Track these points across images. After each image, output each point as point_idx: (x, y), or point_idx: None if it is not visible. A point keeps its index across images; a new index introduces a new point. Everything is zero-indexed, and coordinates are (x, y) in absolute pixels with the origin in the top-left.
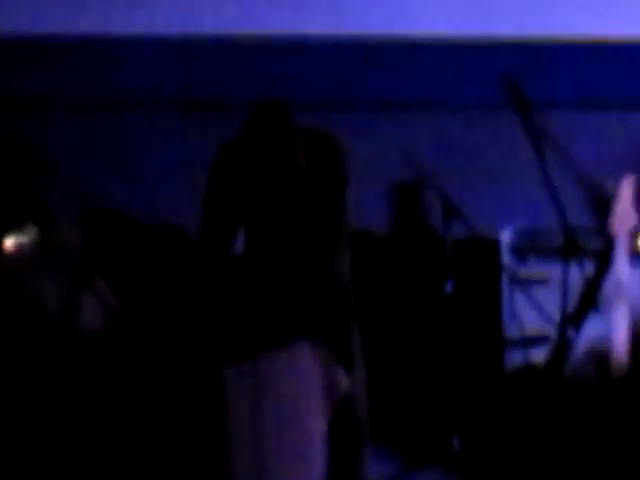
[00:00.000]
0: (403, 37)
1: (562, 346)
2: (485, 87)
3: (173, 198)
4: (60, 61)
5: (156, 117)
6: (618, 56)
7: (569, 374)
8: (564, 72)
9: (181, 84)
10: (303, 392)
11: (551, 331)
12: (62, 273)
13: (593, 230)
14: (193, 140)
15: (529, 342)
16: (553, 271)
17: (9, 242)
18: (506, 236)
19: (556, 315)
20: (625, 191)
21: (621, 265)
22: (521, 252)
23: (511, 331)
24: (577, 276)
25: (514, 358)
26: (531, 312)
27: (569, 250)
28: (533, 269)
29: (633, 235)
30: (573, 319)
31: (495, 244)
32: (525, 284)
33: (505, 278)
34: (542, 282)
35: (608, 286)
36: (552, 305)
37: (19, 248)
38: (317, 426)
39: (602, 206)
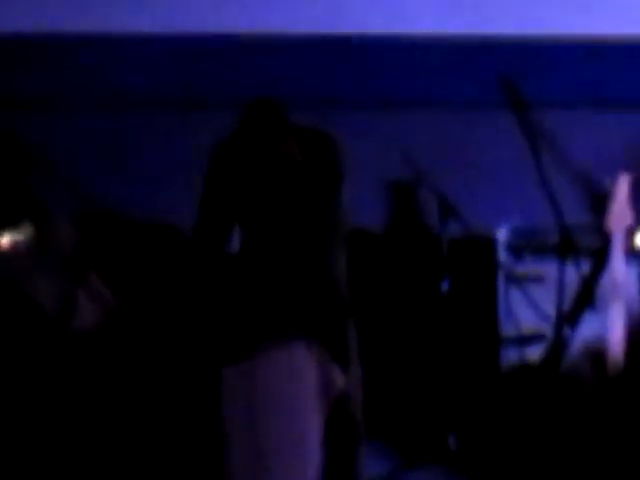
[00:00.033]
0: (401, 36)
1: (558, 344)
2: (482, 86)
3: (173, 197)
4: (59, 60)
5: (155, 116)
6: (615, 55)
7: (565, 372)
8: (561, 71)
9: (180, 83)
10: (299, 391)
11: (547, 329)
12: (58, 271)
13: (589, 228)
14: (192, 139)
15: (525, 340)
16: (549, 269)
17: (5, 240)
18: (502, 234)
19: (552, 313)
20: (621, 189)
21: (617, 263)
22: (517, 250)
23: (507, 329)
24: (573, 274)
25: (510, 356)
26: (527, 310)
27: (565, 248)
28: (529, 267)
29: (629, 233)
30: (569, 317)
31: (491, 242)
32: (521, 282)
33: (501, 276)
34: (538, 280)
35: (604, 284)
36: (548, 303)
37: (15, 246)
38: (313, 424)
39: (598, 204)
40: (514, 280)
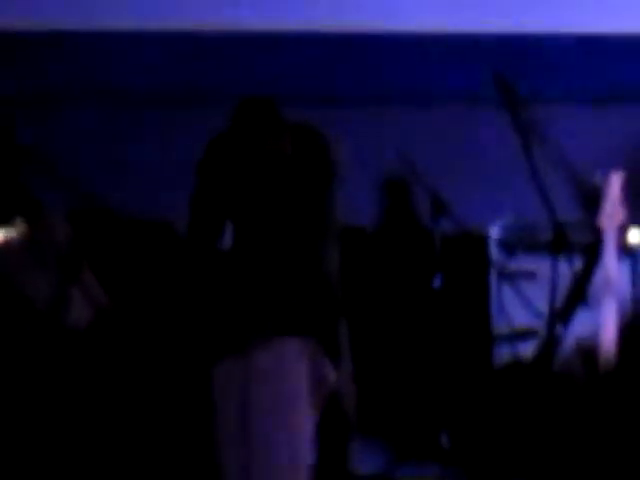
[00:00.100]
0: (395, 33)
1: (550, 341)
2: (475, 83)
3: (172, 195)
4: (57, 56)
5: (154, 114)
6: (609, 52)
7: (557, 369)
8: (554, 68)
9: (180, 80)
10: (291, 387)
11: (539, 326)
12: (50, 267)
13: (582, 225)
14: (191, 136)
15: (517, 337)
16: (542, 266)
17: None
18: (495, 231)
19: (544, 310)
20: (614, 186)
21: (610, 260)
22: (510, 247)
23: (499, 326)
24: (566, 271)
25: (502, 353)
26: (519, 307)
27: (558, 245)
28: (522, 264)
29: (622, 230)
30: (561, 314)
31: (484, 239)
32: (514, 279)
33: (494, 273)
34: (530, 277)
35: (597, 281)
36: (541, 300)
37: (8, 242)
38: (305, 421)
39: (591, 201)
40: (506, 277)
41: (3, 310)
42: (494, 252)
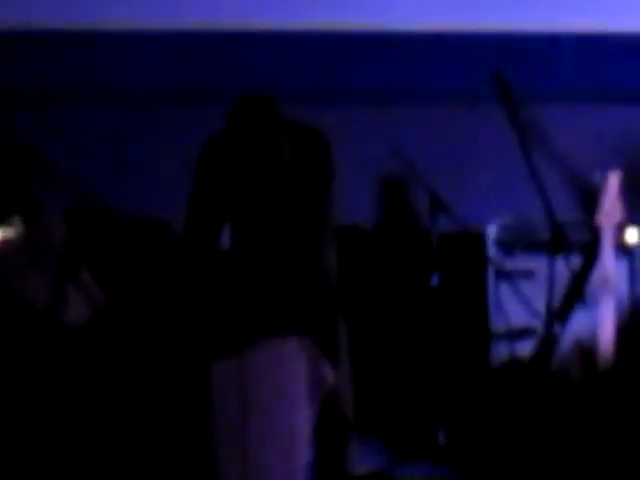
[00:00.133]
0: (391, 28)
1: (548, 340)
2: (472, 81)
3: (172, 193)
4: (57, 55)
5: (154, 112)
6: (607, 49)
7: (555, 368)
8: (552, 66)
9: (176, 79)
10: (290, 386)
11: (537, 325)
12: (47, 267)
13: (579, 224)
14: (190, 135)
15: (515, 335)
16: (540, 265)
17: None
18: (492, 230)
19: (542, 309)
20: (611, 184)
21: (607, 259)
22: (507, 246)
23: (497, 325)
24: (563, 270)
25: (500, 351)
26: (517, 306)
27: (555, 244)
28: (519, 263)
29: (619, 229)
30: (559, 313)
31: (481, 237)
32: (511, 278)
33: (492, 272)
34: (529, 276)
35: (594, 280)
36: (538, 299)
37: (5, 242)
38: (303, 420)
39: (588, 200)
40: (504, 276)
41: (0, 310)
42: (492, 251)
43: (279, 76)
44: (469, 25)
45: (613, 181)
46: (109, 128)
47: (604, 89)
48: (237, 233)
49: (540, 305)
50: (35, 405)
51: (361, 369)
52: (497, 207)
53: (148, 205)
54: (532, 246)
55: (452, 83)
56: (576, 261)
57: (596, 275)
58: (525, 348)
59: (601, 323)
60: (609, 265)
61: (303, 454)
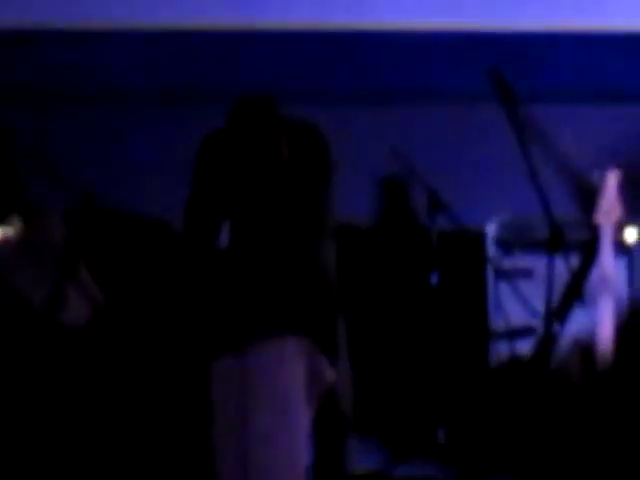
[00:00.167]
0: (390, 28)
1: (547, 339)
2: (471, 80)
3: (171, 192)
4: (57, 55)
5: (152, 111)
6: (606, 48)
7: (554, 367)
8: (550, 64)
9: (175, 79)
10: (288, 386)
11: (536, 324)
12: (47, 266)
13: (578, 223)
14: (189, 134)
15: (514, 334)
16: (538, 264)
17: None
18: (491, 228)
19: (541, 308)
20: (610, 183)
21: (606, 257)
22: (506, 244)
23: (496, 323)
24: (562, 268)
25: (499, 350)
26: (516, 305)
27: (554, 242)
28: (518, 262)
29: (618, 228)
30: (558, 312)
31: (480, 236)
32: (510, 277)
33: (491, 271)
34: (527, 275)
35: (593, 279)
36: (537, 298)
37: (4, 240)
38: (302, 418)
39: (587, 198)
40: (503, 275)
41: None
42: (491, 250)
43: (279, 76)
44: (469, 25)
45: (612, 180)
46: (109, 128)
47: (604, 89)
48: (236, 232)
49: (539, 304)
50: (34, 404)
51: (360, 368)
52: (496, 206)
53: (148, 204)
54: (531, 245)
55: (452, 83)
56: (575, 260)
57: (595, 274)
58: (524, 347)
59: (600, 322)
60: (608, 264)
61: (302, 453)
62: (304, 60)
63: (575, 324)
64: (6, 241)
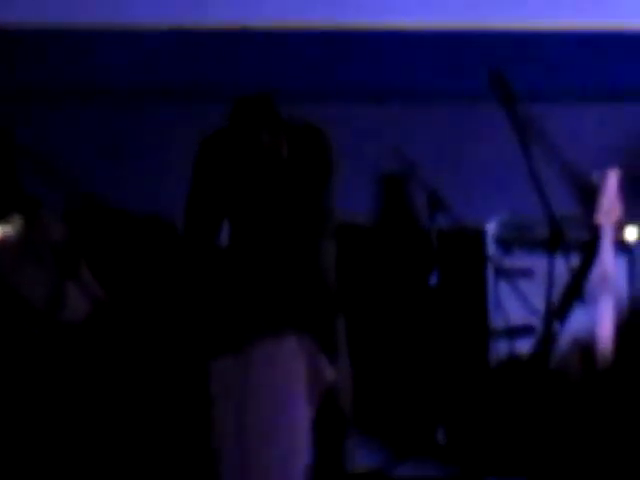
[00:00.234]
0: (390, 27)
1: (547, 338)
2: (471, 79)
3: (171, 191)
4: (56, 54)
5: (153, 110)
6: (606, 47)
7: (554, 366)
8: (551, 64)
9: (176, 78)
10: (289, 385)
11: (536, 323)
12: (47, 264)
13: (579, 222)
14: (190, 132)
15: (514, 333)
16: (538, 263)
17: None
18: (491, 227)
19: (541, 307)
20: (610, 182)
21: (606, 256)
22: (506, 243)
23: (496, 322)
24: (562, 268)
25: (499, 349)
26: (516, 303)
27: (554, 242)
28: (518, 261)
29: (618, 227)
30: (558, 311)
31: (480, 235)
32: (510, 276)
33: (490, 270)
34: (527, 274)
35: (593, 278)
36: (537, 297)
37: (4, 239)
38: (302, 417)
39: (587, 198)
40: (503, 274)
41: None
42: (491, 249)
43: (279, 75)
44: (469, 25)
45: (612, 179)
46: (109, 127)
47: (604, 88)
48: (236, 231)
49: (539, 303)
50: (35, 402)
51: (360, 367)
52: (496, 205)
53: (148, 204)
54: (531, 244)
55: (452, 83)
56: (575, 259)
57: (595, 273)
58: (524, 346)
59: (600, 321)
60: (608, 263)
61: (302, 453)
62: (304, 60)
63: (575, 323)
64: (6, 240)
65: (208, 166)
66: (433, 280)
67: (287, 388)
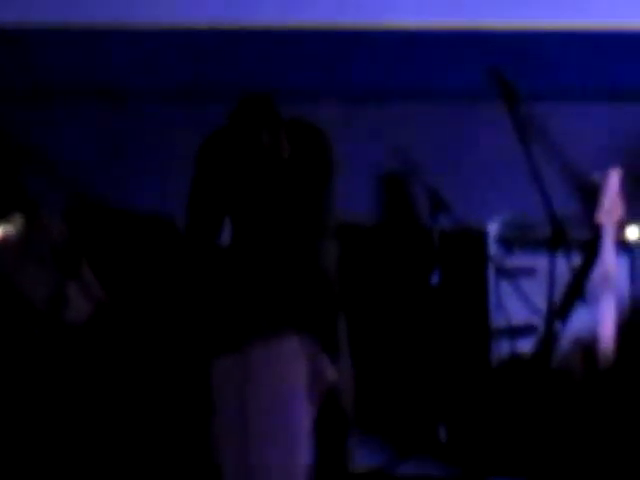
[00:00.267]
0: (390, 27)
1: (549, 337)
2: (472, 79)
3: (172, 191)
4: (56, 54)
5: (154, 109)
6: (607, 47)
7: (556, 365)
8: (552, 63)
9: (176, 77)
10: (289, 385)
11: (538, 322)
12: (48, 264)
13: (580, 221)
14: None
15: (516, 333)
16: (540, 262)
17: None
18: (493, 227)
19: (543, 306)
20: (612, 182)
21: (608, 256)
22: (508, 243)
23: (498, 322)
24: (564, 267)
25: (501, 349)
26: (518, 303)
27: (556, 241)
28: (520, 260)
29: (620, 226)
30: (560, 310)
31: (482, 235)
32: (512, 275)
33: (492, 269)
34: (529, 273)
35: (595, 277)
36: (539, 296)
37: (4, 238)
38: (303, 417)
39: (589, 197)
40: (505, 273)
41: (0, 308)
42: (492, 248)
43: (279, 75)
44: (469, 24)
45: (614, 179)
46: (109, 127)
47: (605, 88)
48: (237, 230)
49: (541, 302)
50: (36, 402)
51: (362, 366)
52: (498, 205)
53: (148, 203)
54: (533, 244)
55: (452, 83)
56: (577, 259)
57: (597, 273)
58: (525, 345)
59: (601, 321)
60: (610, 263)
61: (303, 452)
62: (305, 60)
63: (577, 323)
64: (7, 240)
65: (209, 166)
66: (435, 280)
67: (288, 388)
